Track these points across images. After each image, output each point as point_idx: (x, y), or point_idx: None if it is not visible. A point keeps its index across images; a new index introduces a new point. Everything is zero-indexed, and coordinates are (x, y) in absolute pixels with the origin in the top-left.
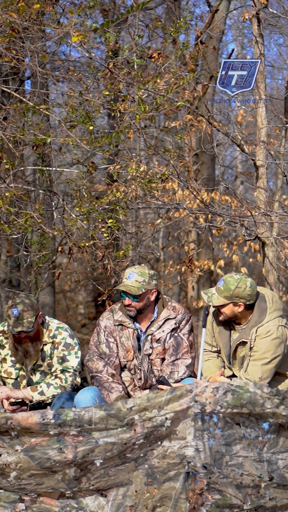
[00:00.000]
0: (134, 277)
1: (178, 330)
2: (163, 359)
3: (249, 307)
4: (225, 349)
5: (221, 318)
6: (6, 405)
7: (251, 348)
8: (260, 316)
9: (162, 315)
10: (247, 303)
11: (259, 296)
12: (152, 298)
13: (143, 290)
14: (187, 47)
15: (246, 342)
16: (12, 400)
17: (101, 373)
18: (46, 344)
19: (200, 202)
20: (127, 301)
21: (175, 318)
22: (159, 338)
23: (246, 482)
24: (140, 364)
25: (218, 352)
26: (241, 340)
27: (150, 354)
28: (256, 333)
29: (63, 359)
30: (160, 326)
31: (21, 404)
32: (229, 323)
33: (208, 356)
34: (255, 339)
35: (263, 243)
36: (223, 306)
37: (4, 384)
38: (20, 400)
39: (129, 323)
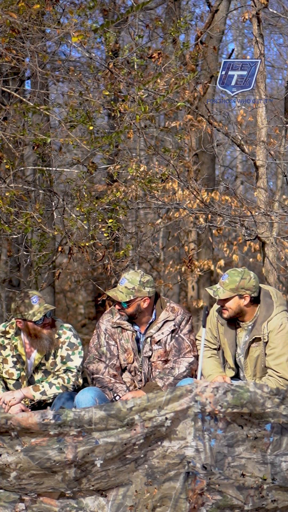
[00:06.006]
0: (124, 283)
1: (179, 331)
2: (165, 361)
3: (254, 301)
4: (231, 350)
5: (225, 315)
6: (23, 407)
7: (266, 343)
8: (267, 310)
9: (161, 317)
10: (252, 295)
11: (264, 291)
12: (145, 305)
13: (131, 297)
14: (187, 47)
15: (259, 338)
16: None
17: (102, 374)
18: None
19: (200, 202)
20: (118, 305)
21: (174, 320)
22: (159, 340)
23: (249, 484)
24: (140, 366)
25: (218, 349)
26: (254, 337)
27: (150, 356)
28: (267, 327)
29: (67, 359)
30: (159, 328)
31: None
32: (234, 323)
33: (210, 353)
34: (268, 334)
35: (263, 243)
36: (228, 300)
37: (6, 384)
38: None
39: (127, 325)
